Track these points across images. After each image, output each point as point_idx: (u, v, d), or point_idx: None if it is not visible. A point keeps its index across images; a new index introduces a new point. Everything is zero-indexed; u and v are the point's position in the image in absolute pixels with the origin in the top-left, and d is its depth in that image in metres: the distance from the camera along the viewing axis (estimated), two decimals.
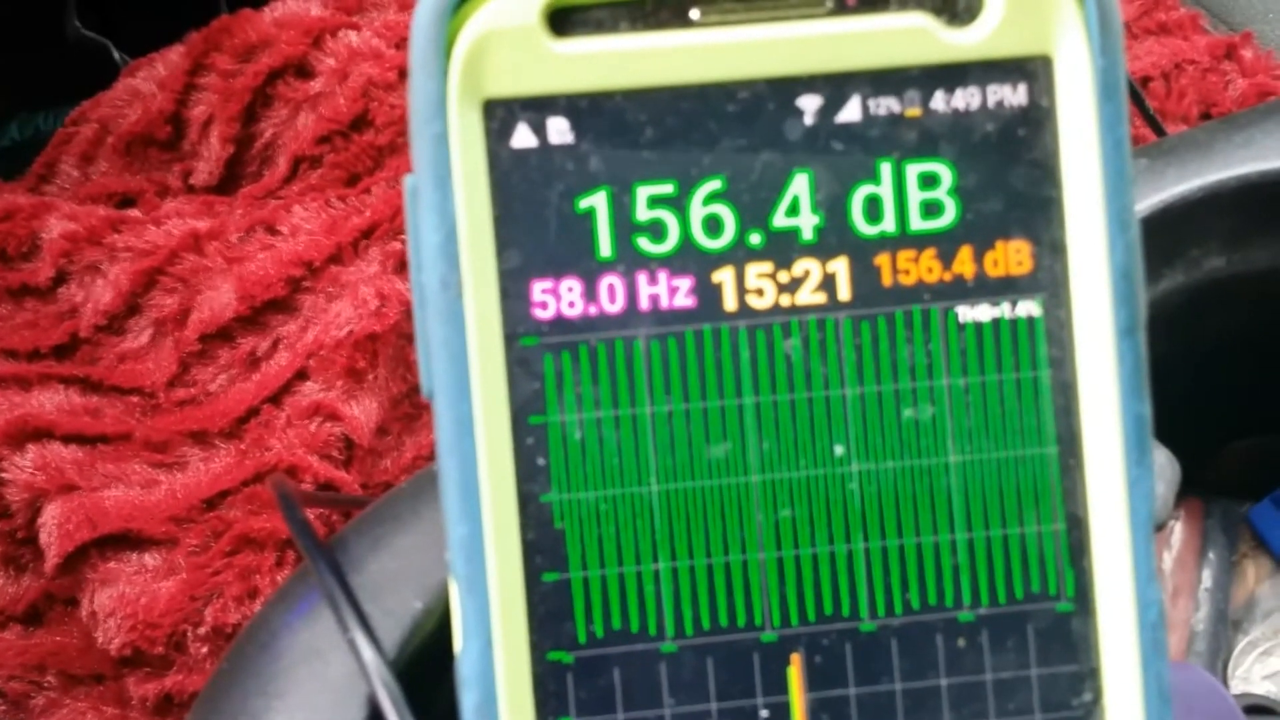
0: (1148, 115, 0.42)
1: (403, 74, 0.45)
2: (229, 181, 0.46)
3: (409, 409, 0.41)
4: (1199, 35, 0.50)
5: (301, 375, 0.40)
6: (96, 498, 0.38)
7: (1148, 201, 0.31)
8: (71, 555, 0.37)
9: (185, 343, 0.41)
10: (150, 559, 0.37)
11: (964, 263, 0.20)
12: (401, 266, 0.41)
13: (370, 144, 0.44)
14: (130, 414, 0.41)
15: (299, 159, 0.45)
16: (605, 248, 0.20)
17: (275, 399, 0.40)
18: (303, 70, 0.45)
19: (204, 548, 0.37)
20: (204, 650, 0.36)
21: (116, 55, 0.54)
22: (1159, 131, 0.43)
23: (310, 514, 0.36)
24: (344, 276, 0.41)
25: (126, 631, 0.36)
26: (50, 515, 0.37)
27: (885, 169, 0.20)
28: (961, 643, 0.20)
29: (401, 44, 0.46)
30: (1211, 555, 0.38)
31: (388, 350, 0.40)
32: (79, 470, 0.38)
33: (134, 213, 0.44)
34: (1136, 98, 0.42)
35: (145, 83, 0.46)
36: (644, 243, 0.20)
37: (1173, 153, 0.32)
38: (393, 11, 0.47)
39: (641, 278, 0.20)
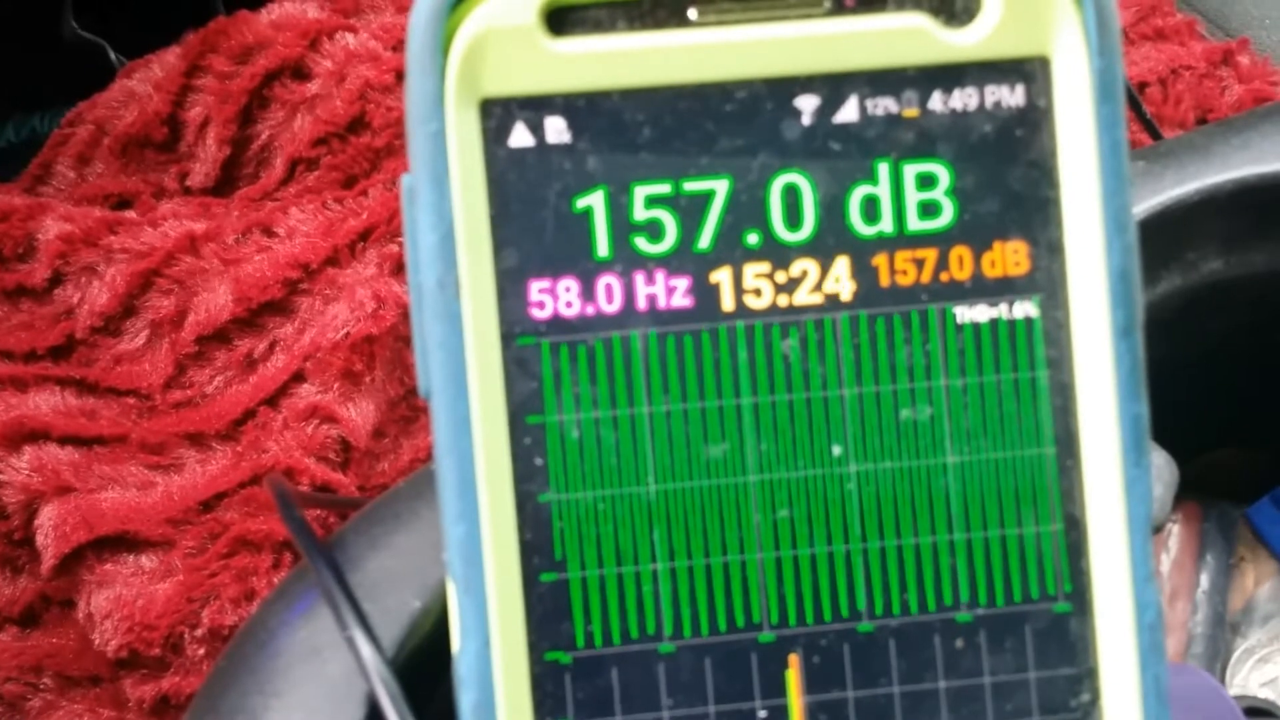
0: (1145, 121, 0.42)
1: (400, 76, 0.45)
2: (225, 183, 0.46)
3: (406, 411, 0.41)
4: (1196, 41, 0.50)
5: (298, 377, 0.40)
6: (93, 499, 0.38)
7: (1145, 204, 0.31)
8: (68, 557, 0.37)
9: (182, 344, 0.41)
10: (147, 561, 0.37)
11: (962, 263, 0.20)
12: (398, 269, 0.41)
13: (367, 146, 0.44)
14: (126, 416, 0.40)
15: (296, 161, 0.45)
16: (603, 247, 0.20)
17: (272, 401, 0.40)
18: (299, 72, 0.45)
19: (201, 550, 0.37)
20: (201, 652, 0.36)
21: (113, 56, 0.54)
22: (1156, 137, 0.43)
23: (308, 516, 0.36)
24: (341, 279, 0.41)
25: (123, 633, 0.36)
26: (47, 517, 0.37)
27: (883, 169, 0.20)
28: (959, 644, 0.20)
29: (399, 46, 0.46)
30: (1209, 558, 0.38)
31: (385, 352, 0.40)
32: (75, 472, 0.38)
33: (130, 214, 0.44)
34: (1134, 103, 0.42)
35: (141, 84, 0.46)
36: (641, 242, 0.20)
37: (1170, 155, 0.32)
38: (390, 14, 0.47)
39: (639, 277, 0.20)
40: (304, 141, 0.44)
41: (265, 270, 0.41)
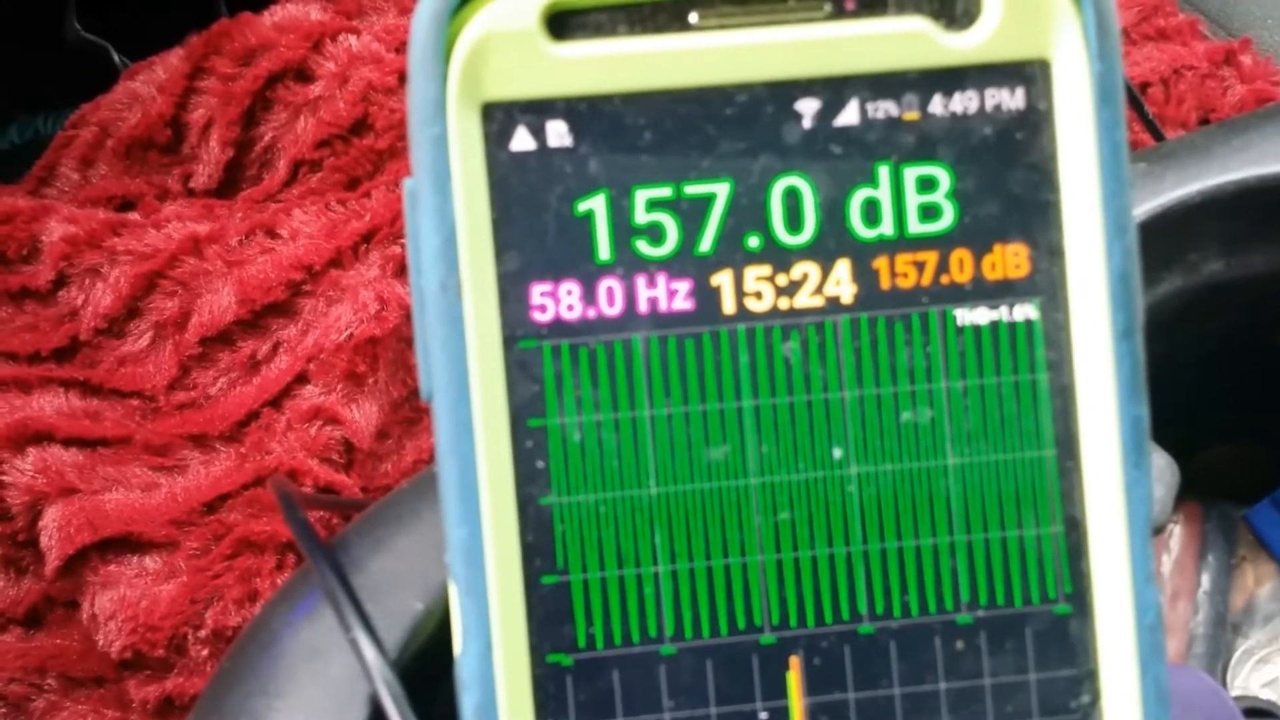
0: (1147, 121, 0.42)
1: (402, 78, 0.45)
2: (228, 185, 0.46)
3: (409, 412, 0.41)
4: (1198, 41, 0.50)
5: (301, 379, 0.40)
6: (97, 501, 0.38)
7: (1146, 205, 0.31)
8: (72, 558, 0.37)
9: (185, 346, 0.41)
10: (151, 562, 0.37)
11: (962, 266, 0.20)
12: (401, 270, 0.42)
13: (370, 148, 0.44)
14: (130, 417, 0.41)
15: (299, 163, 0.45)
16: (604, 251, 0.20)
17: (275, 402, 0.40)
18: (302, 74, 0.45)
19: (204, 551, 0.37)
20: (204, 653, 0.36)
21: (116, 58, 0.54)
22: (1158, 137, 0.43)
23: (310, 517, 0.36)
24: (344, 280, 0.41)
25: (127, 634, 0.36)
26: (51, 518, 0.37)
27: (883, 172, 0.20)
28: (960, 645, 0.20)
29: (401, 48, 0.46)
30: (1210, 558, 0.38)
31: (388, 354, 0.40)
32: (79, 473, 0.38)
33: (134, 216, 0.44)
34: (1136, 103, 0.42)
35: (145, 86, 0.46)
36: (643, 246, 0.20)
37: (1171, 157, 0.32)
38: (392, 15, 0.47)
39: (640, 281, 0.20)
40: (307, 143, 0.45)
41: (268, 272, 0.41)
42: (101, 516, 0.37)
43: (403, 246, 0.42)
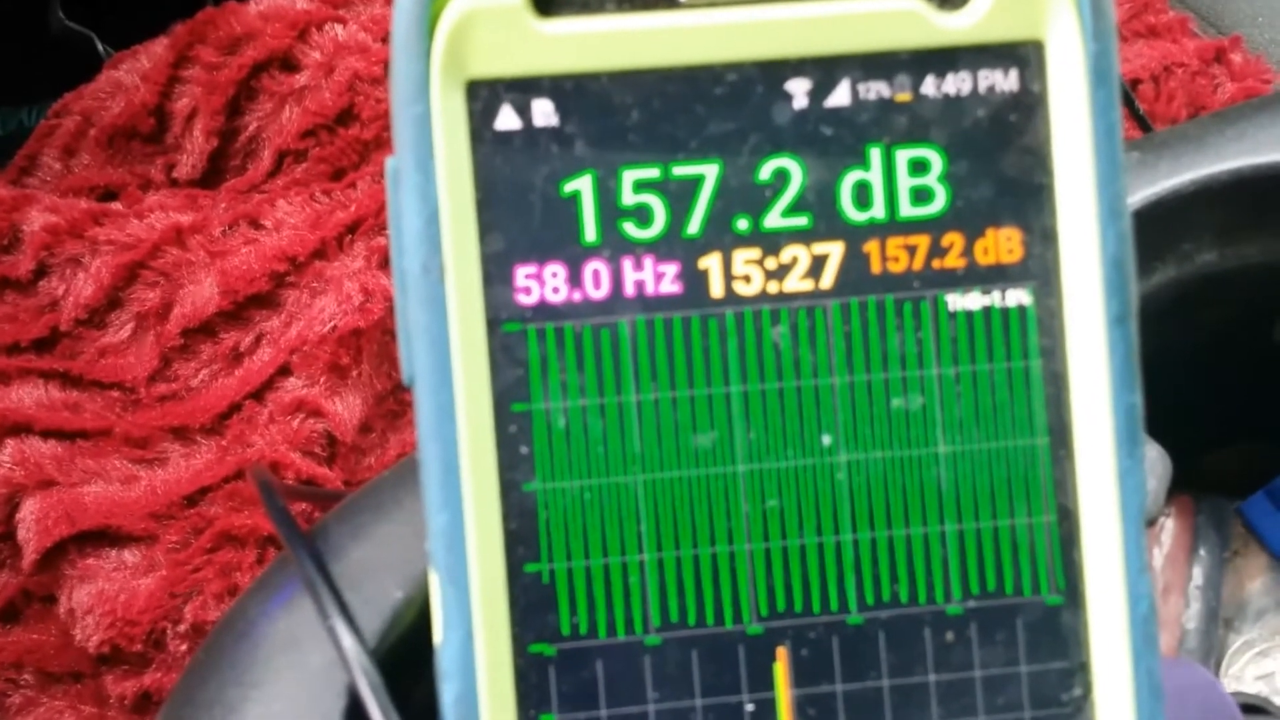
0: (1137, 116, 0.42)
1: (389, 68, 0.44)
2: (212, 175, 0.45)
3: (393, 405, 0.40)
4: (1188, 38, 0.50)
5: (284, 371, 0.40)
6: (76, 493, 0.37)
7: (1140, 194, 0.31)
8: (50, 551, 0.37)
9: (167, 337, 0.40)
10: (130, 556, 0.37)
11: (954, 250, 0.20)
12: (386, 262, 0.41)
13: (355, 138, 0.44)
14: (110, 409, 0.40)
15: (283, 153, 0.44)
16: (590, 232, 0.20)
17: (258, 395, 0.40)
18: (288, 63, 0.45)
19: (184, 544, 0.37)
20: (183, 648, 0.36)
21: (100, 47, 0.54)
22: (1148, 132, 0.42)
23: (292, 511, 0.36)
24: (328, 271, 0.41)
25: (105, 629, 0.36)
26: (29, 511, 0.37)
27: (875, 154, 0.20)
28: (950, 636, 0.20)
29: (388, 38, 0.45)
30: (1203, 552, 0.38)
31: (371, 346, 0.40)
32: (58, 466, 0.38)
33: (116, 206, 0.43)
34: (1127, 98, 0.42)
35: (128, 75, 0.46)
36: (629, 228, 0.20)
37: (1165, 146, 0.32)
38: (379, 5, 0.47)
39: (627, 263, 0.20)
40: (292, 133, 0.44)
41: (252, 263, 0.41)
42: (80, 509, 0.37)
43: (387, 238, 0.42)
